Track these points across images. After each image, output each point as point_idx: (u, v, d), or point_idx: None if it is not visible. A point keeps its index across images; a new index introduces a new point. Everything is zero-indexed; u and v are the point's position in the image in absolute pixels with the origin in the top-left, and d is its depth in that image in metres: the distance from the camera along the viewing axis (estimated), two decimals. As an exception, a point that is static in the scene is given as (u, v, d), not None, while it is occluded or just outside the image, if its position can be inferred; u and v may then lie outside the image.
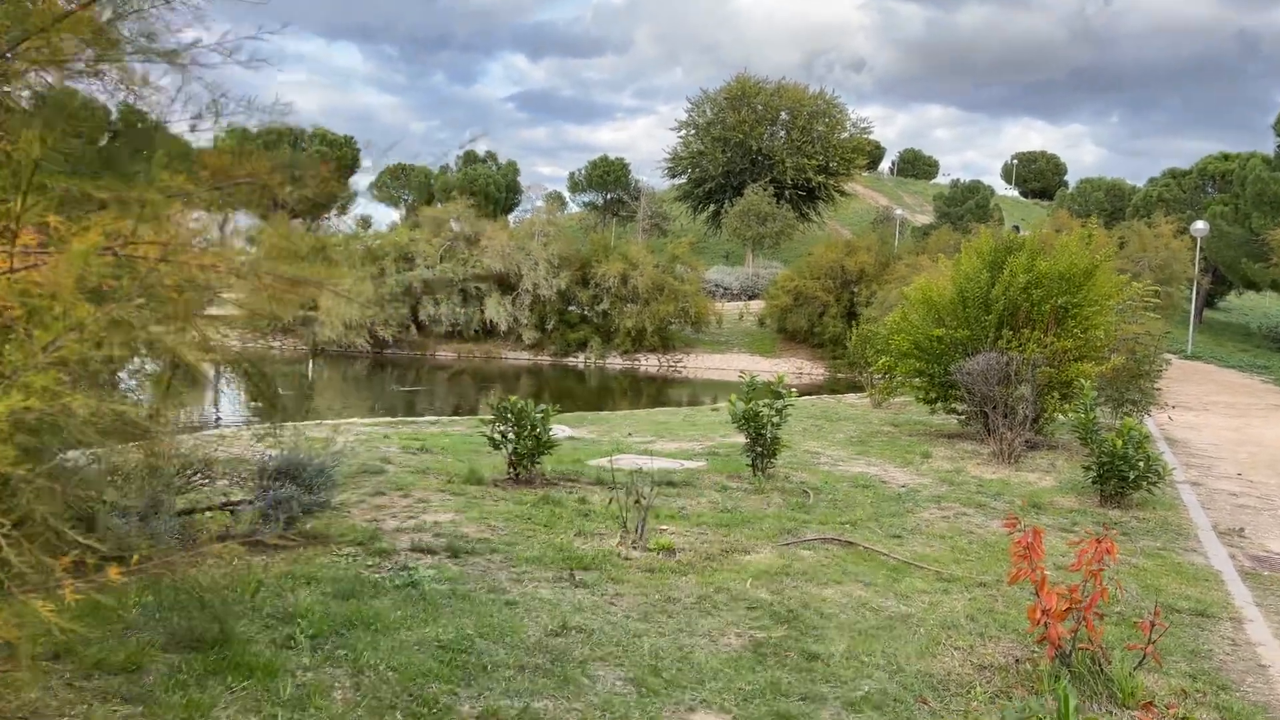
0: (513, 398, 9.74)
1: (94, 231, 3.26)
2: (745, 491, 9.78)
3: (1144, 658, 5.11)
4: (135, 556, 4.55)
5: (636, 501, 7.62)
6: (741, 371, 10.64)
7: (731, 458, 12.04)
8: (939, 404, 15.16)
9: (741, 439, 12.37)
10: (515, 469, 9.78)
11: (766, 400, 10.30)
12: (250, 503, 6.59)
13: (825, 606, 6.10)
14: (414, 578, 5.87)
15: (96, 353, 3.52)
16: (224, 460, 7.29)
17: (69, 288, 3.18)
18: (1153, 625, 5.12)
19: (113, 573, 3.42)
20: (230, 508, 6.65)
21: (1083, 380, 12.76)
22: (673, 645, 5.23)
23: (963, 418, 15.08)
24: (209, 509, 6.69)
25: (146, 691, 4.05)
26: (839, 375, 42.87)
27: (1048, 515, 9.70)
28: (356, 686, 4.35)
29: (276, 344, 45.09)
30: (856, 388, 36.19)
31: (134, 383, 5.86)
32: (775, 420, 10.29)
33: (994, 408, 13.01)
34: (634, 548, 7.27)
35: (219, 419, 17.48)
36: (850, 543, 7.79)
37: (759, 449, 10.38)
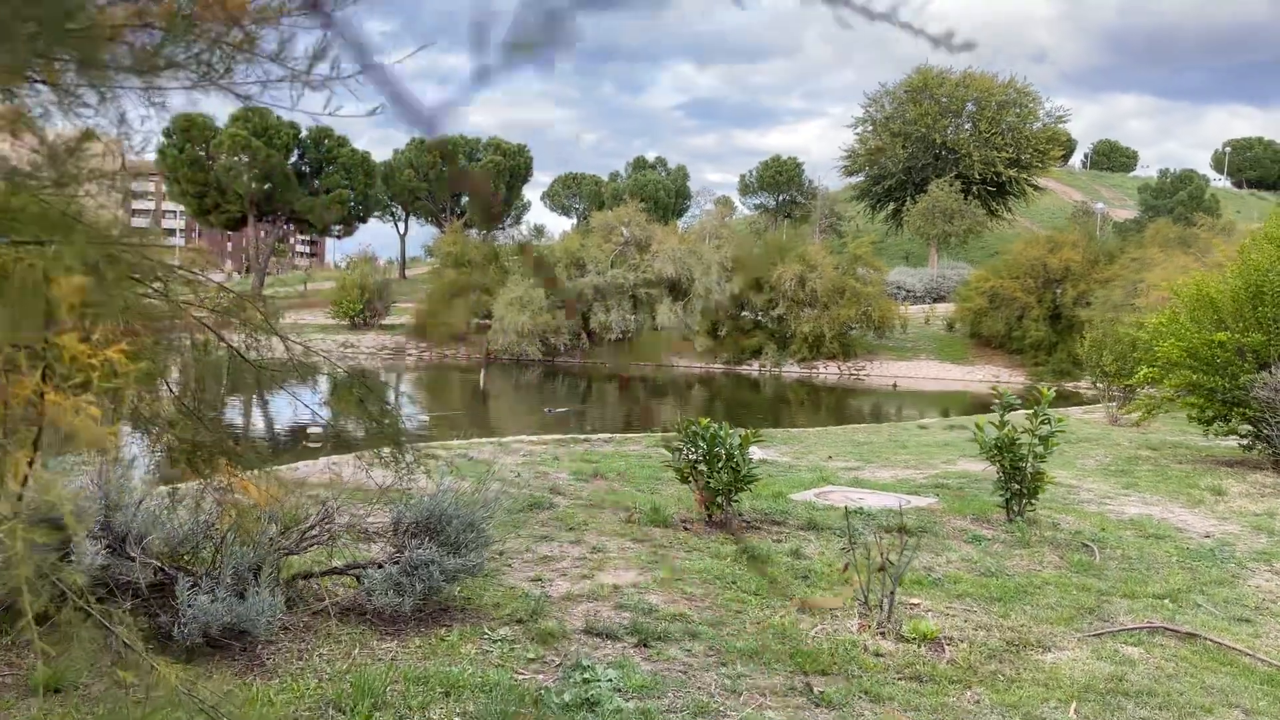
0: (703, 420, 7.97)
1: None
2: (1005, 544, 7.61)
3: None
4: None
5: (881, 568, 5.65)
6: (993, 387, 8.51)
7: (966, 492, 9.84)
8: (1216, 424, 12.34)
9: (971, 466, 10.20)
10: (708, 508, 7.99)
11: (1025, 426, 8.11)
12: (380, 566, 5.06)
13: (1207, 759, 3.96)
14: (590, 692, 4.14)
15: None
16: (353, 506, 5.83)
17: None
18: None
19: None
20: (356, 571, 5.14)
21: None
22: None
23: (1245, 442, 12.24)
24: (331, 572, 5.21)
25: None
26: (1042, 384, 38.99)
27: None
28: None
29: (450, 352, 45.37)
30: (1067, 399, 32.45)
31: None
32: (1038, 450, 8.08)
33: (1308, 432, 10.22)
34: (881, 634, 5.32)
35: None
36: (1191, 634, 5.55)
37: (1016, 486, 8.18)
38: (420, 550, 4.95)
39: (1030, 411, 8.12)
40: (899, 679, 4.70)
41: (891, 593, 5.53)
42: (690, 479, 8.00)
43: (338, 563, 5.48)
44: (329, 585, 5.31)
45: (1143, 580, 6.75)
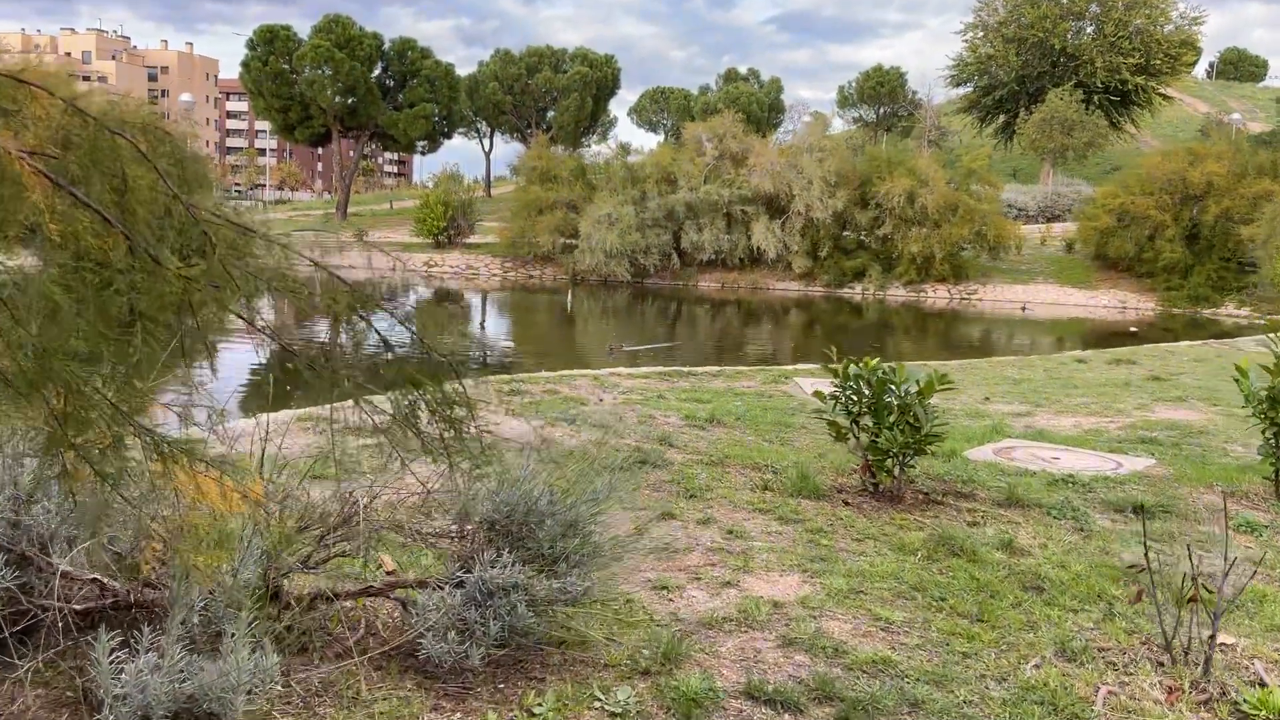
0: (870, 361, 6.05)
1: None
2: (1293, 535, 5.56)
3: None
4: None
5: (1191, 599, 3.71)
6: (1270, 324, 6.28)
7: (1187, 450, 7.75)
8: None
9: (1175, 414, 8.15)
10: (873, 473, 6.11)
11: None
12: (439, 587, 3.32)
13: None
14: None
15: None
16: (394, 488, 4.09)
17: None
18: None
19: None
20: (401, 594, 3.42)
21: None
22: None
23: None
24: (363, 594, 3.49)
25: None
26: (1175, 310, 35.67)
27: None
28: None
29: (536, 273, 43.85)
30: (1203, 327, 29.23)
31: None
32: (1331, 406, 5.94)
33: None
34: (1204, 705, 3.42)
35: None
36: None
37: (1294, 453, 6.08)
38: (496, 570, 3.19)
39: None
40: (1286, 814, 2.80)
41: (1211, 638, 3.61)
42: (849, 435, 6.12)
43: (387, 568, 3.78)
44: (365, 604, 3.61)
45: None
